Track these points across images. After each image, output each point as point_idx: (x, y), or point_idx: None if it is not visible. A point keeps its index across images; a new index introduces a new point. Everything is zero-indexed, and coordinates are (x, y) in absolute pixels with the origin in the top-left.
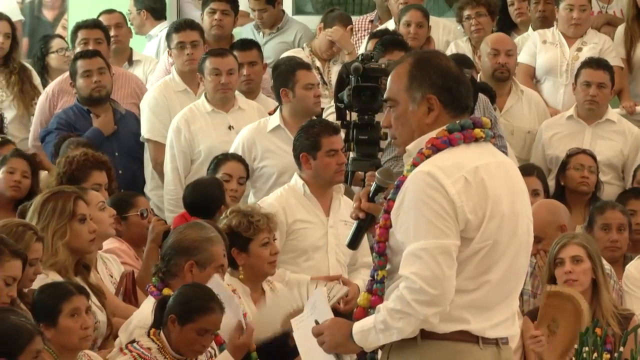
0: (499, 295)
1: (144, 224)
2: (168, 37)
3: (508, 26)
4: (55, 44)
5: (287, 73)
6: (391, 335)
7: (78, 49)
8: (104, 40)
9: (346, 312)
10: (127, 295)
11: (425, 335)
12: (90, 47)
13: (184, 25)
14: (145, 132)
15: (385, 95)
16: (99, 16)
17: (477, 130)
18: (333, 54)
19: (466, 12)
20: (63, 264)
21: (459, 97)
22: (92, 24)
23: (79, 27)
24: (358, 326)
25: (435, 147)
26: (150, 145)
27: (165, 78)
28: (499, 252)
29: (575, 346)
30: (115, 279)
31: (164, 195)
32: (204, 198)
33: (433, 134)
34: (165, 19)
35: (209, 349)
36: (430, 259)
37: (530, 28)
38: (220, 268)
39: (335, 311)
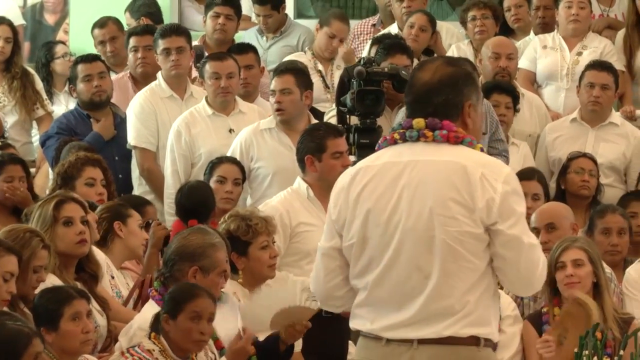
0: (395, 293)
1: (145, 235)
2: (155, 42)
3: (505, 32)
4: (59, 49)
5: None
6: None
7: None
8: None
9: (347, 315)
10: (144, 301)
11: None
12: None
13: (170, 30)
14: (131, 139)
15: None
16: (93, 28)
17: (395, 133)
18: (334, 51)
19: (471, 14)
20: (52, 267)
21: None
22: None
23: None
24: None
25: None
26: (137, 152)
27: (152, 84)
28: (372, 249)
29: (575, 350)
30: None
31: (164, 199)
32: (199, 203)
33: None
34: (164, 22)
35: (210, 353)
36: (316, 260)
37: (532, 33)
38: (224, 274)
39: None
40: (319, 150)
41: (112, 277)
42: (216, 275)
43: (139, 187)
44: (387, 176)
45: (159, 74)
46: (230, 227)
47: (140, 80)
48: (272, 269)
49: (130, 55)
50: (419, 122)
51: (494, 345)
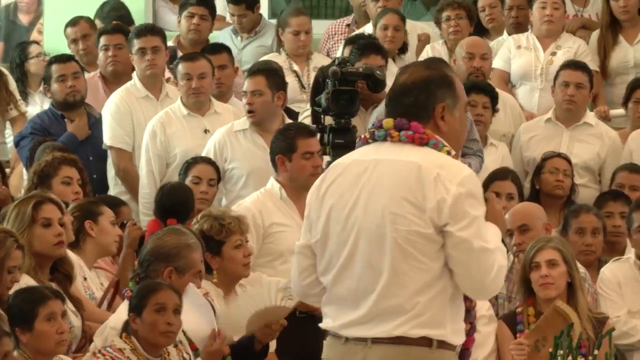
0: (351, 291)
1: (119, 232)
2: (129, 42)
3: (479, 32)
4: (33, 49)
5: None
6: None
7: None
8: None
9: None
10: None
11: None
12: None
13: (145, 30)
14: (107, 139)
15: None
16: (65, 27)
17: (367, 132)
18: (305, 46)
19: (445, 14)
20: (27, 268)
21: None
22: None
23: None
24: None
25: None
26: (113, 152)
27: (127, 84)
28: (332, 247)
29: (550, 350)
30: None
31: (139, 199)
32: (179, 203)
33: None
34: (134, 23)
35: (184, 354)
36: (293, 259)
37: (505, 33)
38: (199, 274)
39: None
40: (289, 150)
41: (85, 279)
42: (191, 276)
43: (115, 187)
44: (351, 174)
45: (134, 74)
46: (203, 227)
47: (111, 79)
48: (247, 268)
49: (101, 54)
50: (387, 122)
51: (452, 348)
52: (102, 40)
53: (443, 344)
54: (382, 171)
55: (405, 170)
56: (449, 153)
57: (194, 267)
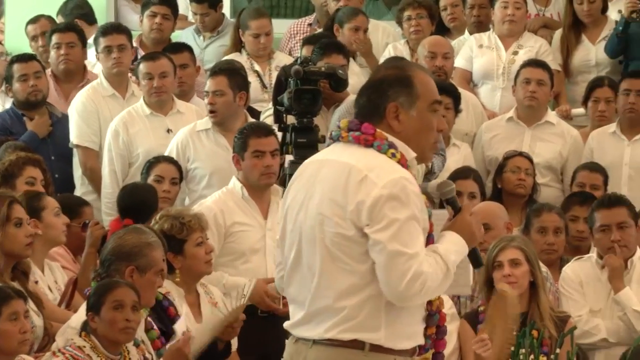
0: (298, 291)
1: (83, 236)
2: (95, 40)
3: (441, 31)
4: None
5: None
6: None
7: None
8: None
9: (284, 313)
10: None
11: None
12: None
13: (111, 29)
14: (74, 137)
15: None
16: (26, 25)
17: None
18: (266, 48)
19: (407, 13)
20: None
21: None
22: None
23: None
24: None
25: None
26: (80, 151)
27: (93, 83)
28: (286, 246)
29: (512, 348)
30: (59, 286)
31: (101, 198)
32: (140, 202)
33: None
34: (97, 22)
35: (147, 353)
36: None
37: (467, 32)
38: (160, 273)
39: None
40: (242, 148)
41: (36, 282)
42: (153, 275)
43: (82, 187)
44: (305, 174)
45: (100, 73)
46: (164, 227)
47: (62, 78)
48: (209, 265)
49: (53, 53)
50: (344, 122)
51: (394, 352)
52: (54, 38)
53: (378, 348)
54: (323, 172)
55: (339, 172)
56: (393, 155)
57: (155, 265)
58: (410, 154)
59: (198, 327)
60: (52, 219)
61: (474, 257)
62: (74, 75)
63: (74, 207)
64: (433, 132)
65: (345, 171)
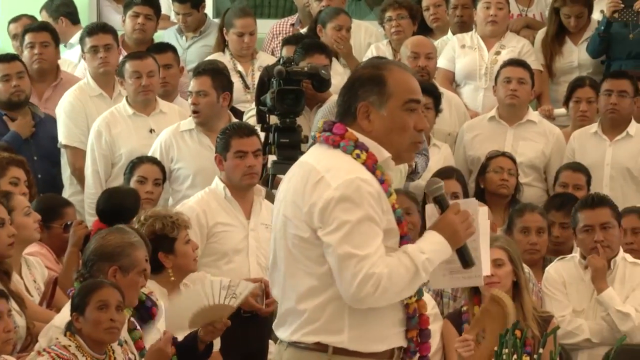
0: (280, 292)
1: (65, 237)
2: (81, 40)
3: (424, 31)
4: None
5: None
6: None
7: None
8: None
9: (267, 314)
10: (56, 300)
11: None
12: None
13: (97, 28)
14: (62, 137)
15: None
16: (8, 24)
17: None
18: (249, 47)
19: (388, 14)
20: None
21: None
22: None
23: None
24: None
25: None
26: (68, 151)
27: (80, 83)
28: (271, 248)
29: (495, 348)
30: (38, 285)
31: (84, 198)
32: (119, 206)
33: None
34: (80, 22)
35: (130, 354)
36: None
37: (449, 32)
38: (143, 273)
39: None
40: (225, 149)
41: (29, 268)
42: (136, 275)
43: (70, 187)
44: (286, 176)
45: (87, 72)
46: (155, 228)
47: (36, 77)
48: (196, 262)
49: (26, 52)
50: (320, 123)
51: (360, 354)
52: (28, 37)
53: (342, 351)
54: (294, 174)
55: (302, 174)
56: (358, 157)
57: (138, 265)
58: (384, 154)
59: (177, 302)
60: (22, 219)
61: (462, 256)
62: (47, 75)
63: (56, 208)
64: (408, 131)
65: (307, 173)
